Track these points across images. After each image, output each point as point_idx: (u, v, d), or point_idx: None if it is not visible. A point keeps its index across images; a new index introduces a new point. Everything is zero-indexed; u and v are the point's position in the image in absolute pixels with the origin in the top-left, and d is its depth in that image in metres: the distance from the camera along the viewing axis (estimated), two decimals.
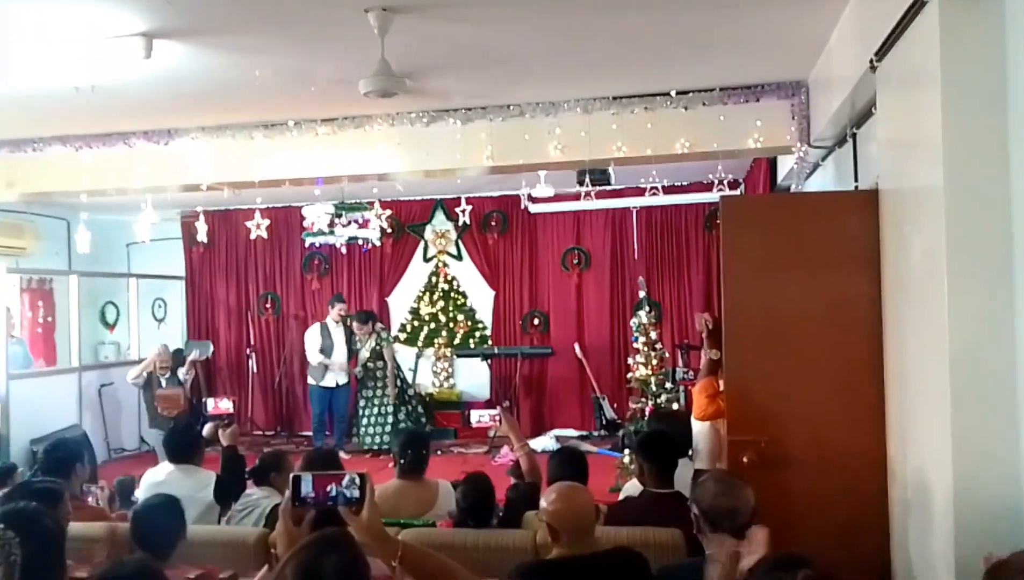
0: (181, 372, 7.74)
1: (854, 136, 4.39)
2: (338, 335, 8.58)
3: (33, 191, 6.58)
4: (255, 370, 9.76)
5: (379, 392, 8.48)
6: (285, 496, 2.04)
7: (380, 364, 8.45)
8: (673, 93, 5.31)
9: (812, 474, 3.57)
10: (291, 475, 2.05)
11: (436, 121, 5.65)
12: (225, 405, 5.19)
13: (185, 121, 5.91)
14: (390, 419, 8.41)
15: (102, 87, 4.76)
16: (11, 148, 6.26)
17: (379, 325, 8.69)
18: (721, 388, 4.06)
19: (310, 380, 8.64)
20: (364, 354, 8.47)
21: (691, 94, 5.30)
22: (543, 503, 2.72)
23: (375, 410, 8.45)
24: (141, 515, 3.10)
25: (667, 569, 2.69)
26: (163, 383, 7.58)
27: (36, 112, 5.49)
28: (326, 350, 8.48)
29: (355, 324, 8.54)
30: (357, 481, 2.00)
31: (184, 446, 4.35)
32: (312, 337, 8.60)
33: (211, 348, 9.28)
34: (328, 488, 1.99)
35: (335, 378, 8.52)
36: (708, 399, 4.26)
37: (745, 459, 3.61)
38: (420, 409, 8.88)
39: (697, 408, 4.36)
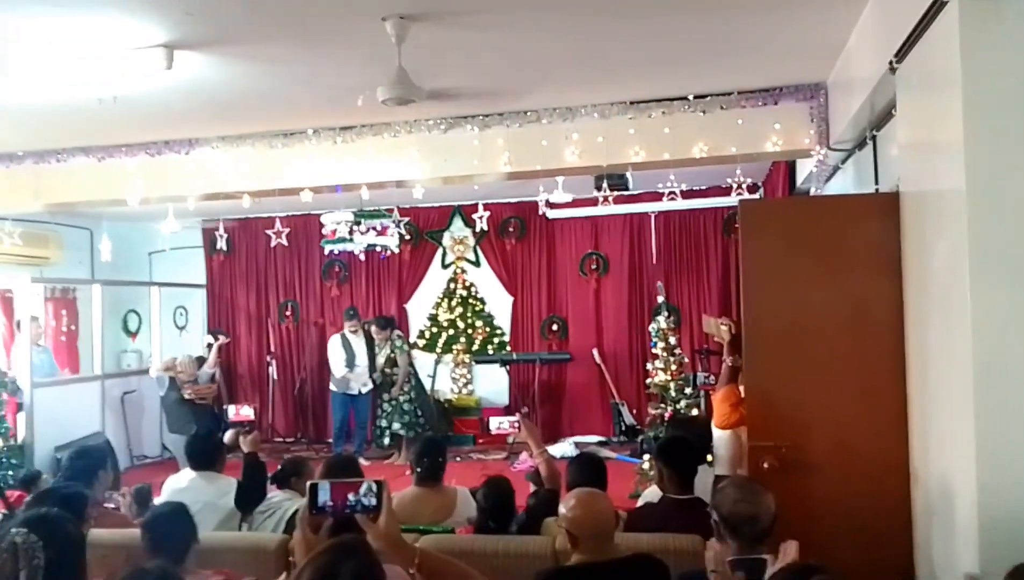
0: (205, 370, 7.92)
1: (874, 138, 4.35)
2: (359, 345, 8.68)
3: (57, 201, 6.66)
4: (275, 377, 9.79)
5: (397, 398, 8.51)
6: (302, 504, 2.05)
7: (396, 369, 8.47)
8: (690, 97, 5.29)
9: (833, 479, 3.54)
10: (308, 483, 2.06)
11: (453, 128, 5.67)
12: (246, 412, 5.24)
13: (206, 131, 5.97)
14: (407, 418, 8.42)
15: (124, 98, 4.82)
16: (36, 159, 6.35)
17: (395, 332, 8.69)
18: (743, 395, 4.03)
19: (332, 387, 8.73)
20: (380, 360, 8.50)
21: (709, 98, 5.28)
22: (562, 509, 2.72)
23: (393, 415, 8.47)
24: (151, 524, 3.13)
25: (687, 575, 2.67)
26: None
27: (60, 123, 5.57)
28: (349, 362, 8.59)
29: (373, 329, 8.58)
30: (374, 488, 2.01)
31: (205, 453, 4.38)
32: (335, 348, 8.68)
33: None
34: (346, 496, 2.00)
35: (358, 386, 8.64)
36: (731, 407, 4.23)
37: (765, 464, 3.59)
38: (432, 411, 8.80)
39: (719, 416, 4.33)
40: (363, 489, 2.00)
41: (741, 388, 4.08)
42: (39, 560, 2.09)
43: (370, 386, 8.65)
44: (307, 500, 2.02)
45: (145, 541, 3.10)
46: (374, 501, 1.99)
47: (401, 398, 8.42)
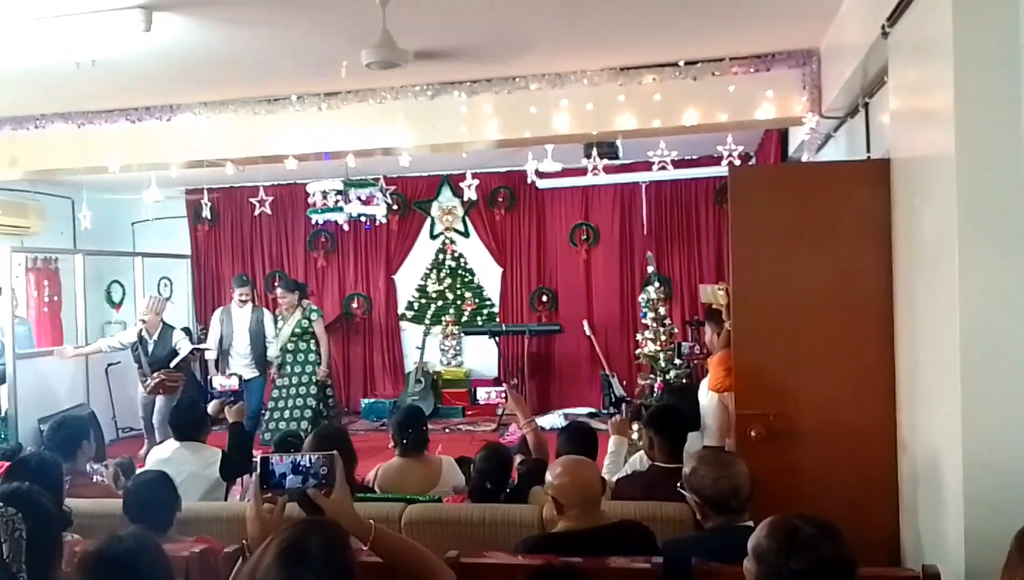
0: (182, 344, 7.16)
1: (866, 106, 4.30)
2: (240, 321, 7.57)
3: (36, 169, 6.54)
4: None
5: (298, 379, 7.54)
6: (253, 479, 2.00)
7: (303, 346, 7.59)
8: (682, 63, 5.20)
9: (821, 448, 3.54)
10: (260, 457, 2.02)
11: (441, 94, 5.57)
12: (231, 383, 5.19)
13: (187, 96, 5.85)
14: (308, 411, 7.51)
15: (103, 62, 4.70)
16: (13, 125, 6.21)
17: (306, 301, 7.86)
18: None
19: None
20: (286, 332, 7.56)
21: (700, 64, 5.19)
22: (549, 477, 2.72)
23: (291, 402, 7.52)
24: (134, 491, 3.11)
25: (673, 542, 2.67)
26: (150, 347, 7.05)
27: (37, 89, 5.44)
28: (226, 337, 7.52)
29: (279, 291, 7.69)
30: (326, 462, 1.97)
31: (189, 424, 4.35)
32: (214, 323, 7.60)
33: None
34: (297, 470, 1.96)
35: (241, 371, 7.22)
36: (726, 372, 4.23)
37: (753, 433, 3.58)
38: (332, 401, 7.94)
39: (713, 380, 4.33)
40: (315, 462, 1.96)
41: None
42: (20, 532, 2.05)
43: (258, 373, 7.45)
44: (258, 474, 1.98)
45: (127, 508, 3.08)
46: (326, 475, 1.95)
47: (301, 383, 7.47)
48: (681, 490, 2.72)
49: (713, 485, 2.58)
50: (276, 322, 7.68)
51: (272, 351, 7.60)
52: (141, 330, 7.14)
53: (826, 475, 3.51)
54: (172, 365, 6.97)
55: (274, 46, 4.73)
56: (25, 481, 2.42)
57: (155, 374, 6.96)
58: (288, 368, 7.64)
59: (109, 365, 8.31)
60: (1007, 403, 2.48)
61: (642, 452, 3.87)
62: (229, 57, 4.88)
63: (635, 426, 4.84)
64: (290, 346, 7.63)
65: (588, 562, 2.39)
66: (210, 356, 7.55)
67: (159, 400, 7.09)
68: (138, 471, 4.01)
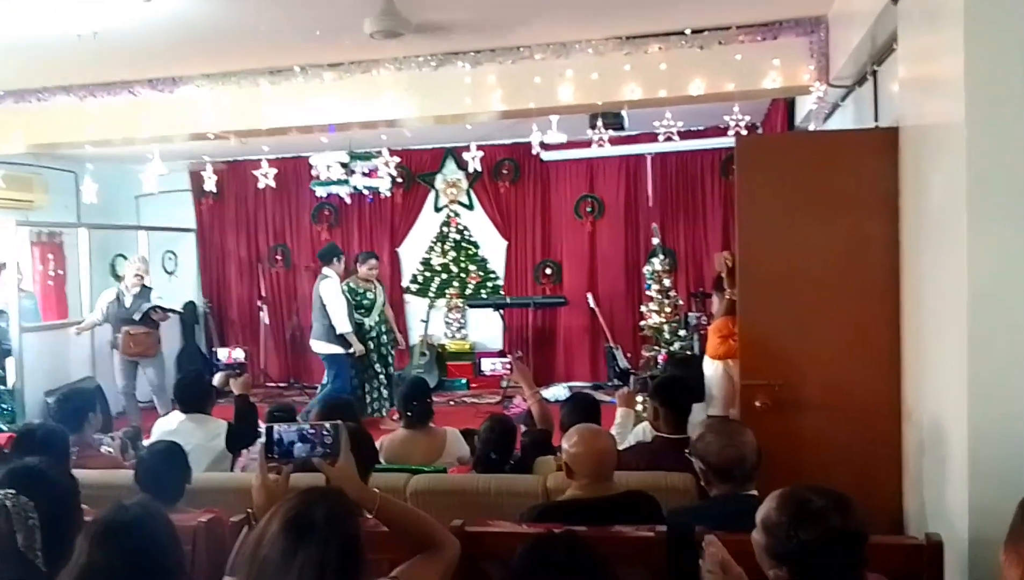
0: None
1: (874, 74, 4.25)
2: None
3: (39, 142, 6.52)
4: (267, 322, 9.78)
5: (388, 350, 7.55)
6: (259, 448, 2.00)
7: (385, 316, 7.61)
8: (688, 32, 5.14)
9: (826, 418, 3.54)
10: (265, 426, 2.02)
11: (444, 65, 5.52)
12: (237, 355, 5.21)
13: (190, 69, 5.81)
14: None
15: (105, 34, 4.67)
16: (16, 99, 6.18)
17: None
18: (735, 329, 4.02)
19: (332, 349, 7.15)
20: (380, 302, 7.47)
21: (706, 33, 5.13)
22: (564, 444, 2.74)
23: (384, 375, 7.49)
24: (146, 461, 3.12)
25: (677, 511, 2.68)
26: (127, 302, 7.03)
27: (39, 61, 5.40)
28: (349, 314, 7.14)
29: (372, 262, 7.52)
30: (331, 432, 1.97)
31: (195, 396, 4.36)
32: (338, 296, 7.11)
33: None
34: (303, 439, 1.96)
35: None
36: (720, 339, 4.24)
37: (758, 403, 3.58)
38: None
39: (711, 347, 4.36)
40: (320, 432, 1.96)
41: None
42: (33, 520, 2.01)
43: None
44: (263, 443, 1.98)
45: (139, 478, 3.09)
46: (331, 444, 1.96)
47: (392, 353, 7.58)
48: (689, 456, 2.72)
49: (719, 453, 2.58)
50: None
51: (370, 321, 7.40)
52: (118, 290, 7.15)
53: (831, 444, 3.51)
54: (138, 317, 6.96)
55: (276, 17, 4.69)
56: (32, 453, 2.41)
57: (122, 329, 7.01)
58: (385, 338, 7.50)
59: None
60: (1013, 373, 2.46)
61: (647, 423, 3.88)
62: (231, 28, 4.84)
63: (640, 397, 4.84)
64: (379, 318, 7.49)
65: (593, 530, 2.40)
66: (354, 341, 7.08)
67: (144, 368, 7.14)
68: (147, 442, 4.03)
